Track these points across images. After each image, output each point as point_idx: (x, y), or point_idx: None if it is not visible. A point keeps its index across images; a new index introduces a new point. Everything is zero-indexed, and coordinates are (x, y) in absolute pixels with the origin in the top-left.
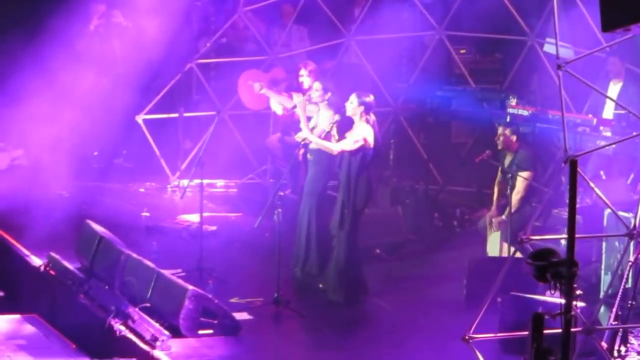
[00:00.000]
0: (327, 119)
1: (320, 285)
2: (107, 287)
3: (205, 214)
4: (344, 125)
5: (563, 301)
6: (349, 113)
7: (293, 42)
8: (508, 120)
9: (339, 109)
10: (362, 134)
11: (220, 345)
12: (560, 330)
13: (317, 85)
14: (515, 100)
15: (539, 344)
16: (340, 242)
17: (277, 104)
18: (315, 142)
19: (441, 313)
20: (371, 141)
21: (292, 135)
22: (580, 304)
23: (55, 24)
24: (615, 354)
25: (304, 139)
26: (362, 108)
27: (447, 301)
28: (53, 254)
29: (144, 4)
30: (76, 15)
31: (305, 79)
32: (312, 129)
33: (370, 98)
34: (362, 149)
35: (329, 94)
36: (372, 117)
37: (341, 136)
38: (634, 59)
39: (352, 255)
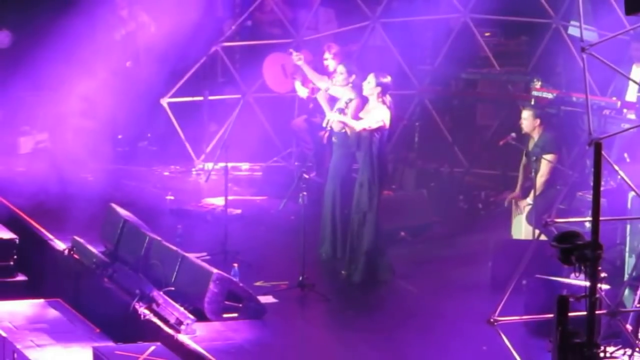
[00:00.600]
0: (371, 106)
1: (343, 272)
2: (131, 270)
3: (230, 197)
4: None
5: (588, 284)
6: (365, 93)
7: (320, 24)
8: (532, 103)
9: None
10: (381, 115)
11: (245, 329)
12: (585, 313)
13: (341, 68)
14: (539, 83)
15: (564, 326)
16: (368, 222)
17: (302, 87)
18: (340, 120)
19: (466, 296)
20: (387, 122)
21: (318, 118)
22: (605, 286)
23: (81, 9)
24: None
25: (328, 122)
26: (379, 89)
27: (472, 284)
28: (77, 238)
29: None
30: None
31: (329, 61)
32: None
33: (387, 79)
34: (380, 130)
35: (353, 76)
36: (388, 98)
37: (354, 116)
38: None
39: (379, 235)
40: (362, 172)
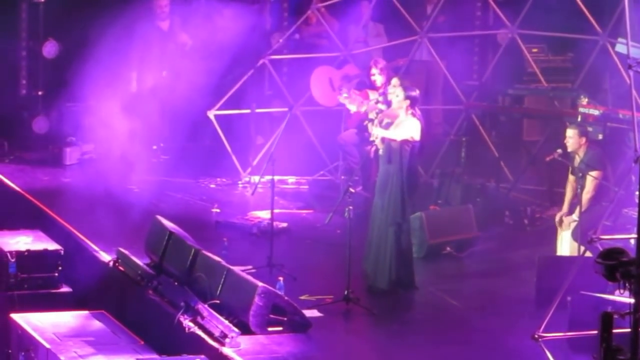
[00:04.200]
0: (401, 119)
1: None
2: (176, 283)
3: (276, 211)
4: None
5: (632, 300)
6: (394, 106)
7: (370, 38)
8: (579, 119)
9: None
10: (413, 127)
11: (290, 342)
12: (629, 330)
13: (395, 81)
14: (586, 99)
15: (607, 343)
16: (403, 232)
17: (351, 102)
18: (383, 134)
19: (511, 311)
20: (418, 135)
21: (366, 132)
22: None
23: (127, 20)
24: None
25: (375, 136)
26: (407, 102)
27: (516, 300)
28: (122, 250)
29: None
30: (142, 13)
31: (377, 77)
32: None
33: (416, 92)
34: (411, 142)
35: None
36: (418, 111)
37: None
38: None
39: (411, 244)
40: (394, 184)
